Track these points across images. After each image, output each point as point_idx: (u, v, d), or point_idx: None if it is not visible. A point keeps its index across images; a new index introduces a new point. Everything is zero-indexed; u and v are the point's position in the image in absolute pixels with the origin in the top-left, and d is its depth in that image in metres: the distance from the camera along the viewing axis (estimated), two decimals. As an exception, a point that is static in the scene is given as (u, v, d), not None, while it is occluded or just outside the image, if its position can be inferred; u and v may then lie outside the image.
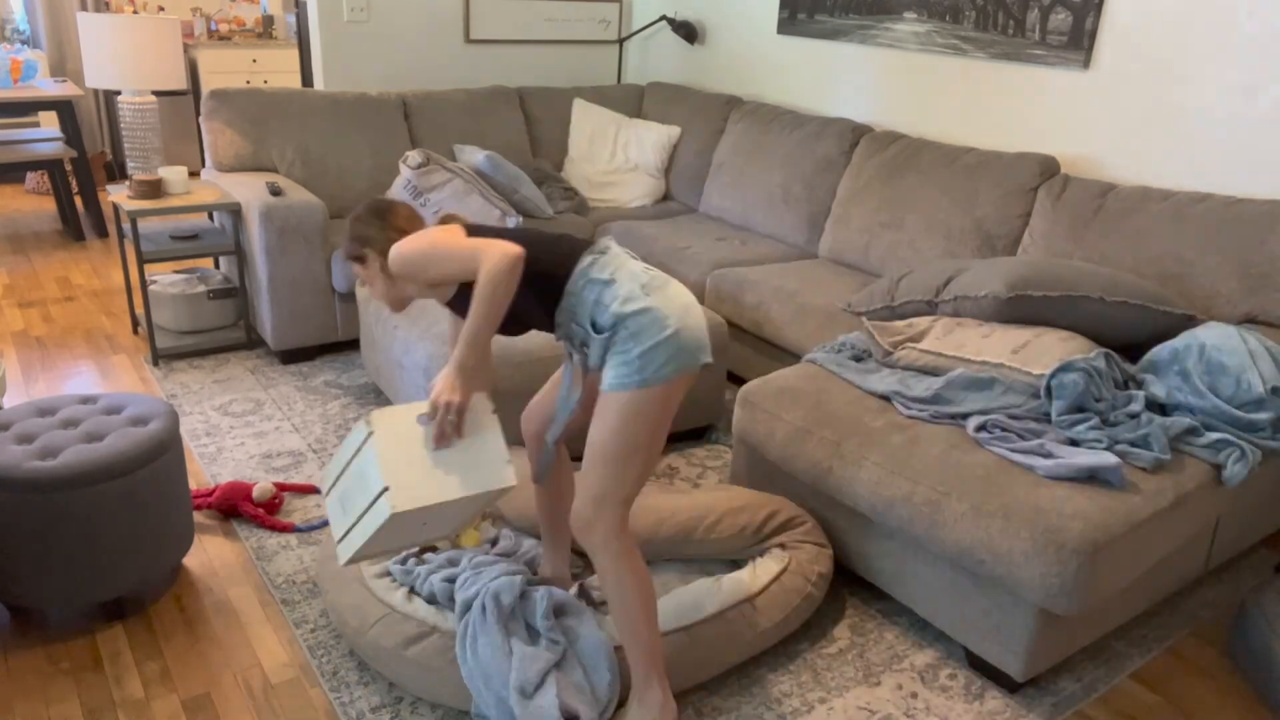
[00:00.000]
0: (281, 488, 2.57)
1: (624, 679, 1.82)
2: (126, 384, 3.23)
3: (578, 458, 2.84)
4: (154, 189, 3.26)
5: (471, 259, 1.59)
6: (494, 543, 2.19)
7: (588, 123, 4.31)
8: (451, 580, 1.96)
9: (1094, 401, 2.05)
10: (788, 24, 4.01)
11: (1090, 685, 2.05)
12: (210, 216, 3.76)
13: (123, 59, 3.35)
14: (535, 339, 2.62)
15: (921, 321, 2.46)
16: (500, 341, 2.57)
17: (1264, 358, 2.13)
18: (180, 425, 2.56)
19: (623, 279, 1.63)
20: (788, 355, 3.12)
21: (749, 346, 3.28)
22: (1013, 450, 1.97)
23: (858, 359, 2.46)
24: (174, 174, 3.34)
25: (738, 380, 3.47)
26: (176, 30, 3.45)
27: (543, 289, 1.66)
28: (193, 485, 2.61)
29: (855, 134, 3.58)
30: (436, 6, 4.27)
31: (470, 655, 1.79)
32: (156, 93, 5.97)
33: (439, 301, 1.79)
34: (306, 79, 6.20)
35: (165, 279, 3.63)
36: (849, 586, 2.33)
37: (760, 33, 4.18)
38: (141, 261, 3.19)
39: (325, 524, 2.45)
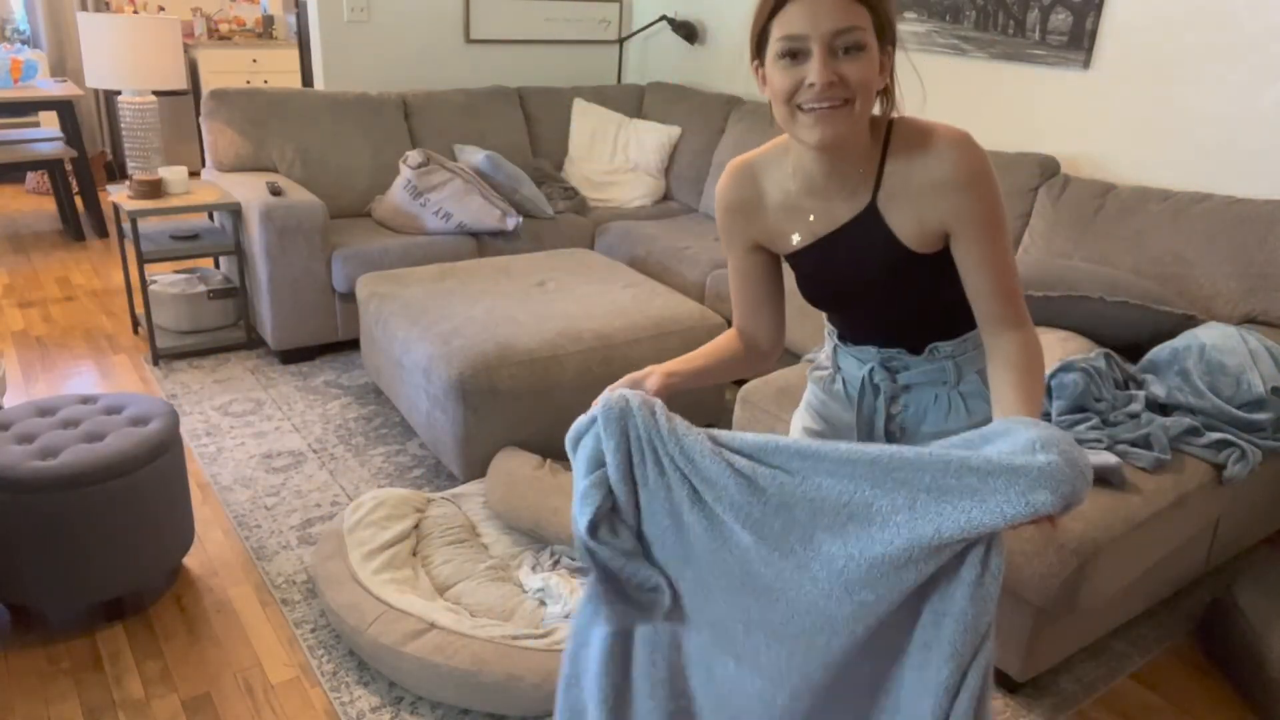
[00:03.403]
0: None
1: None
2: (126, 384, 3.23)
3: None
4: (154, 189, 3.27)
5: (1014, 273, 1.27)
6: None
7: (588, 123, 4.31)
8: None
9: (1094, 401, 2.05)
10: (788, 24, 4.00)
11: (1090, 685, 2.05)
12: (210, 216, 3.76)
13: (123, 59, 3.35)
14: (537, 337, 2.61)
15: (921, 321, 2.46)
16: (500, 340, 2.55)
17: (1264, 358, 2.13)
18: (180, 425, 2.56)
19: None
20: (788, 355, 3.12)
21: (749, 346, 3.27)
22: (1013, 450, 1.97)
23: (858, 359, 2.45)
24: (174, 174, 3.34)
25: (738, 380, 3.46)
26: (176, 30, 3.44)
27: None
28: (193, 485, 2.61)
29: (855, 134, 3.57)
30: (436, 6, 4.27)
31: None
32: (156, 93, 5.95)
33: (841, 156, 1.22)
34: (306, 79, 6.20)
35: (165, 279, 3.63)
36: (849, 586, 2.33)
37: (760, 33, 4.17)
38: (141, 261, 3.20)
39: None
